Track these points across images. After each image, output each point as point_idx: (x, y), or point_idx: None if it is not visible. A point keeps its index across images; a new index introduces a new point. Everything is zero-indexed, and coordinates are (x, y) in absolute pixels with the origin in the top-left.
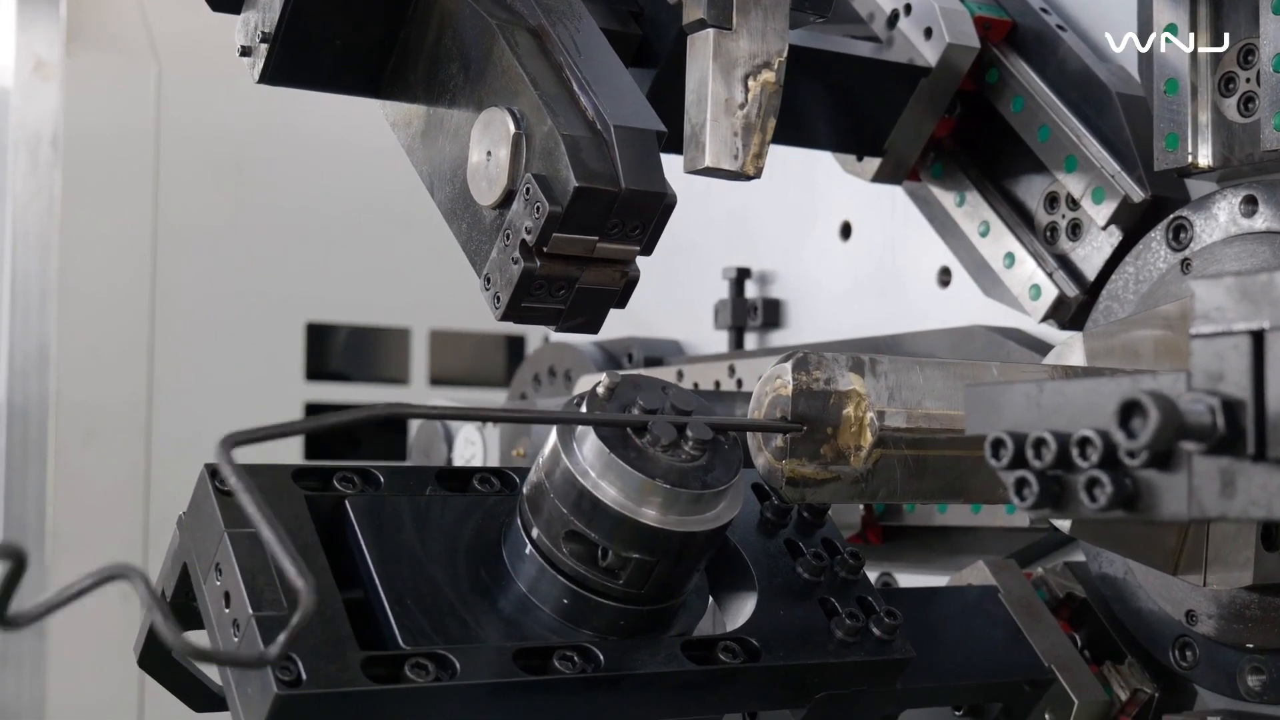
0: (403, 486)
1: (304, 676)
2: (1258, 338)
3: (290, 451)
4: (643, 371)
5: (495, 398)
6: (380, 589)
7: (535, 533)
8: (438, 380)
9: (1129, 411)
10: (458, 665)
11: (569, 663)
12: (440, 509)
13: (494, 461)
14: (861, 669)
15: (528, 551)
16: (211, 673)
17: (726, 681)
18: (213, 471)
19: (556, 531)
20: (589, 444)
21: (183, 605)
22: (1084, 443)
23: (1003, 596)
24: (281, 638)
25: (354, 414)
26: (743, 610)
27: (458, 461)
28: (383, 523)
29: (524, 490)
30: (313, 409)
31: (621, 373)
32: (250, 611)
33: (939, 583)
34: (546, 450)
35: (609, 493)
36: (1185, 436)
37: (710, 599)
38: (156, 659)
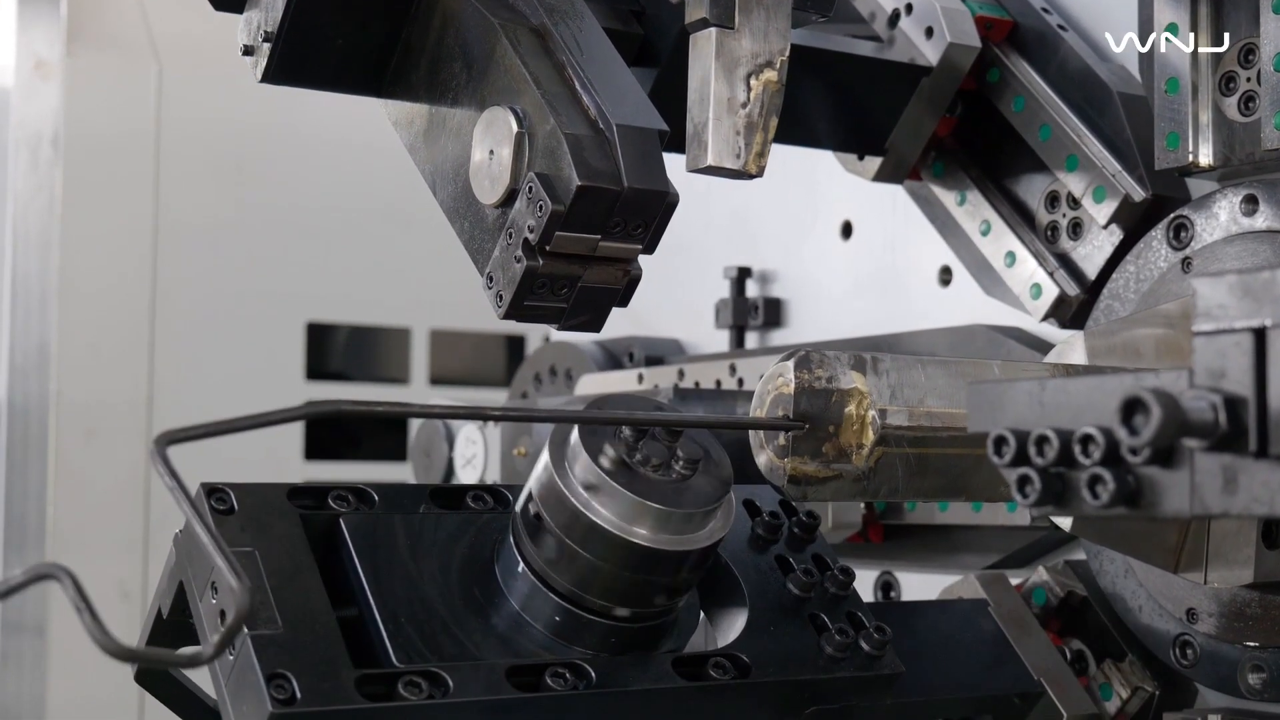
0: (397, 505)
1: (298, 694)
2: (1259, 335)
3: (290, 453)
4: (644, 371)
5: (496, 397)
6: (374, 607)
7: (527, 551)
8: (438, 380)
9: (1131, 409)
10: (451, 683)
11: (561, 680)
12: (434, 527)
13: (495, 460)
14: (851, 684)
15: (520, 569)
16: (208, 688)
17: (717, 698)
18: (209, 490)
19: (549, 550)
20: (580, 464)
21: (179, 622)
22: (1086, 440)
23: (992, 610)
24: (215, 638)
25: (291, 412)
26: (734, 626)
27: (459, 460)
28: (376, 541)
29: (517, 509)
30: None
31: (613, 393)
32: (245, 630)
33: (940, 580)
34: (539, 469)
35: (601, 513)
36: (1187, 433)
37: (701, 615)
38: (153, 674)
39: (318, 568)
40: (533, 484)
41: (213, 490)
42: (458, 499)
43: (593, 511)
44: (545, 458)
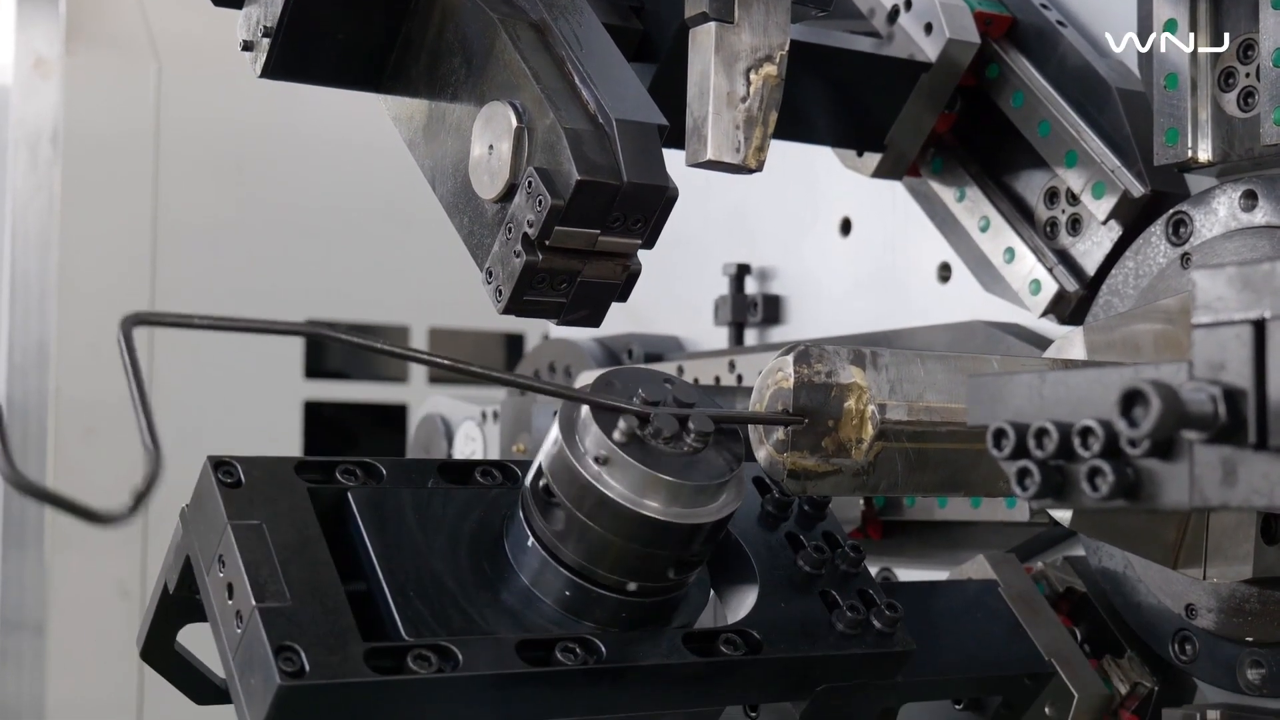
0: (405, 479)
1: (307, 667)
2: (1259, 327)
3: (289, 450)
4: (642, 367)
5: (495, 395)
6: (383, 581)
7: (537, 525)
8: (436, 379)
9: (1131, 400)
10: (460, 657)
11: (571, 654)
12: (442, 501)
13: (494, 457)
14: (862, 661)
15: (530, 544)
16: (214, 665)
17: (728, 673)
18: (216, 464)
19: (559, 524)
20: (591, 436)
21: (186, 598)
22: (1086, 432)
23: (1003, 590)
24: (129, 499)
25: (273, 325)
26: (744, 603)
27: (458, 457)
28: (385, 515)
29: (526, 483)
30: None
31: (623, 367)
32: (253, 603)
33: (939, 578)
34: (548, 443)
35: (612, 485)
36: (1187, 425)
37: (711, 591)
38: (158, 651)
39: (326, 541)
40: (543, 458)
41: (219, 463)
42: (466, 474)
43: (603, 484)
44: (555, 431)
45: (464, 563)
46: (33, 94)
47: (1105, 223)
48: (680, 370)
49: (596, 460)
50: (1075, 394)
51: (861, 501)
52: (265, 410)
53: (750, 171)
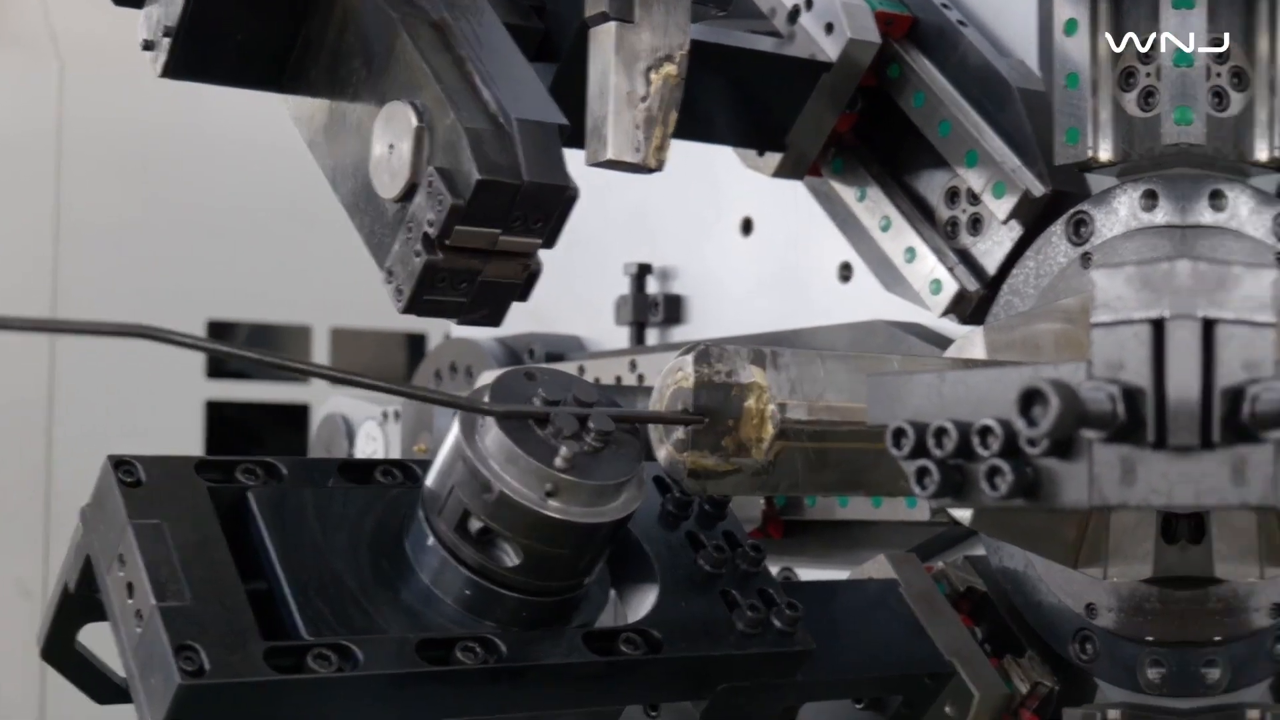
0: (306, 478)
1: (207, 666)
2: (1157, 326)
3: (191, 449)
4: (544, 367)
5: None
6: (283, 580)
7: (438, 525)
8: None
9: (1030, 400)
10: (360, 656)
11: (471, 654)
12: (343, 500)
13: (395, 456)
14: (762, 661)
15: (430, 543)
16: (116, 665)
17: (628, 673)
18: (116, 463)
19: (459, 523)
20: (491, 436)
21: (86, 597)
22: (985, 431)
23: (903, 590)
24: None
25: (101, 326)
26: (644, 602)
27: (359, 456)
28: (285, 514)
29: (427, 482)
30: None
31: (528, 366)
32: (153, 602)
33: (840, 577)
34: (448, 442)
35: (511, 484)
36: (1086, 424)
37: (612, 591)
38: (59, 651)
39: (226, 540)
40: (443, 457)
41: (120, 463)
42: (367, 473)
43: (503, 483)
44: (456, 431)
45: (365, 562)
46: None
47: (1006, 222)
48: (581, 370)
49: (496, 459)
50: (975, 393)
51: (762, 501)
52: (167, 410)
53: (650, 171)
